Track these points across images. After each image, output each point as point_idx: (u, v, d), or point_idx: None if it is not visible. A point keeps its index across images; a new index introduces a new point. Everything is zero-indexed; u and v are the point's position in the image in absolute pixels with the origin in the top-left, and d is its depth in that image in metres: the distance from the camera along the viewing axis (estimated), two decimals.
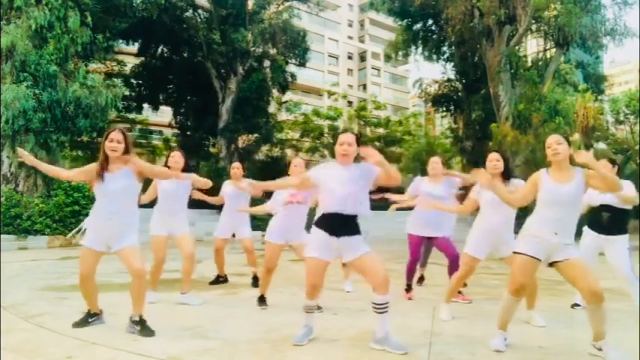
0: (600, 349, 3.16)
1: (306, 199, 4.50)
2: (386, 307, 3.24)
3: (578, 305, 4.76)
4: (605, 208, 4.65)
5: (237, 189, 5.77)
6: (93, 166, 3.69)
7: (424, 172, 5.61)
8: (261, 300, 4.74)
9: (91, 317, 3.83)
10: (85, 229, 3.83)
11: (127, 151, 3.66)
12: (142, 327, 3.62)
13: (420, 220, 5.24)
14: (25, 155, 3.73)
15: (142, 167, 3.70)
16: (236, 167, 6.00)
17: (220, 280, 6.18)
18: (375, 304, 3.25)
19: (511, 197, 3.43)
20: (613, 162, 4.83)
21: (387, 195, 5.34)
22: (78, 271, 3.73)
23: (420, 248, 5.38)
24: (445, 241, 5.22)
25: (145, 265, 3.69)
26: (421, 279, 6.34)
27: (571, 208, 3.19)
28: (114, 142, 3.62)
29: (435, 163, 5.24)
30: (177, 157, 4.91)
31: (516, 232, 4.24)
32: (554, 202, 3.18)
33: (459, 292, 5.14)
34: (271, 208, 4.75)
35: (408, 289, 5.38)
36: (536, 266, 3.24)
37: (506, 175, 4.18)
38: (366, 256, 3.26)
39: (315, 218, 3.39)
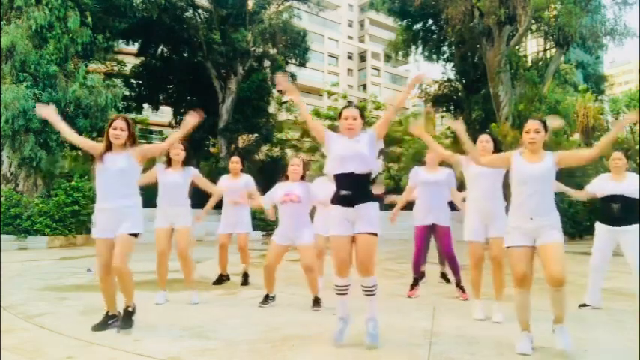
0: (553, 331, 3.22)
1: (301, 198, 4.57)
2: (373, 290, 3.38)
3: (586, 305, 4.71)
4: (614, 198, 4.62)
5: (234, 184, 5.90)
6: (98, 146, 3.78)
7: None
8: (265, 298, 4.77)
9: (110, 319, 3.78)
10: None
11: (131, 139, 3.74)
12: (122, 317, 3.69)
13: (421, 209, 5.36)
14: (46, 111, 3.77)
15: (142, 150, 3.79)
16: (235, 161, 6.09)
17: (223, 278, 6.19)
18: (362, 286, 3.39)
19: (477, 154, 3.67)
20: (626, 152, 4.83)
21: (389, 198, 5.36)
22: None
23: (425, 238, 5.39)
24: (446, 231, 5.30)
25: (127, 263, 3.67)
26: (422, 275, 6.42)
27: (541, 185, 3.28)
28: (117, 129, 3.70)
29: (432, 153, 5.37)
30: (179, 150, 5.00)
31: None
32: (525, 179, 3.31)
33: (462, 290, 5.20)
34: (265, 203, 4.81)
35: (414, 284, 5.38)
36: (528, 252, 3.26)
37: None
38: (367, 237, 3.34)
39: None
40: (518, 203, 3.33)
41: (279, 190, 4.69)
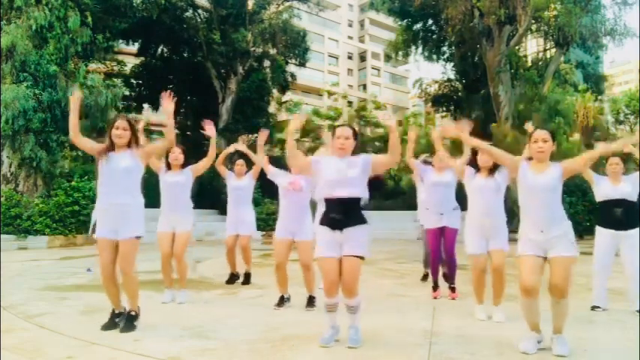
0: (552, 340, 3.21)
1: (304, 188, 4.61)
2: (356, 309, 3.42)
3: (598, 307, 4.65)
4: (615, 203, 4.61)
5: (239, 183, 6.10)
6: (98, 146, 3.78)
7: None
8: (281, 300, 4.76)
9: (117, 317, 3.78)
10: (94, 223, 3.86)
11: (133, 138, 3.76)
12: (124, 321, 3.68)
13: (432, 212, 5.40)
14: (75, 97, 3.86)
15: (145, 151, 3.85)
16: (240, 164, 6.23)
17: (235, 277, 6.21)
18: (347, 306, 3.40)
19: (488, 147, 3.57)
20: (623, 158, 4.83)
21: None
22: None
23: (439, 241, 5.41)
24: (454, 233, 5.34)
25: (133, 268, 3.71)
26: (426, 276, 6.50)
27: (549, 197, 3.24)
28: (119, 129, 3.71)
29: (442, 156, 5.41)
30: (177, 154, 5.02)
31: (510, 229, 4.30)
32: (532, 191, 3.27)
33: (452, 290, 5.27)
34: (270, 170, 4.88)
35: (435, 287, 5.40)
36: (537, 262, 3.23)
37: (494, 167, 4.26)
38: (353, 260, 3.30)
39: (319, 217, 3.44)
40: (527, 214, 3.31)
41: (283, 176, 4.76)
